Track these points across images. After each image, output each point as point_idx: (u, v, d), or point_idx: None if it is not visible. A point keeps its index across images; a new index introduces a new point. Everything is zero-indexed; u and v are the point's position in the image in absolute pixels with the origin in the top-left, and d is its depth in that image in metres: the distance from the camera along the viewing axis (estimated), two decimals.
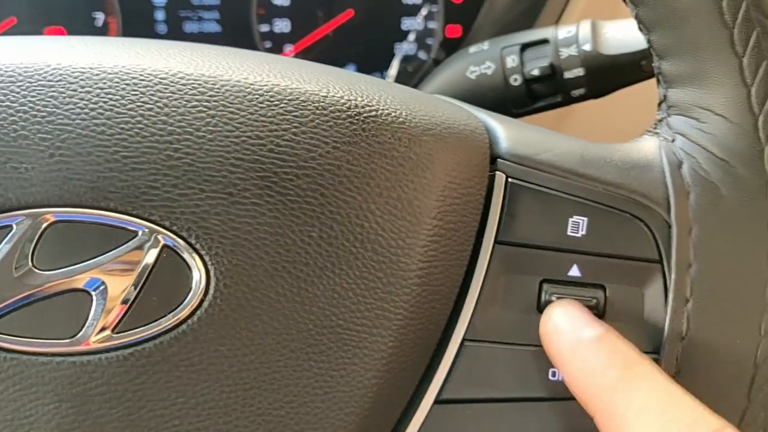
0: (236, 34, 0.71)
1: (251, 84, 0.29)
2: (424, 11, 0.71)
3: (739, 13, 0.30)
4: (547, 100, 0.47)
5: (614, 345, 0.29)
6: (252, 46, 0.71)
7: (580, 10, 0.63)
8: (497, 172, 0.32)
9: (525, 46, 0.47)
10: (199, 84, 0.29)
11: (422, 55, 0.72)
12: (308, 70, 0.32)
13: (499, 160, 0.32)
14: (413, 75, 0.72)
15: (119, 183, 0.27)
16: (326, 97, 0.30)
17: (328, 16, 0.71)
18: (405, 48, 0.71)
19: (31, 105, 0.28)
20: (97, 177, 0.27)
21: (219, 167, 0.28)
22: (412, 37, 0.71)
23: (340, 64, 0.72)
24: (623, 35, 0.45)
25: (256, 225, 0.28)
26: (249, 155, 0.28)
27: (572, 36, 0.46)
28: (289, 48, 0.71)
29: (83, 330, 0.27)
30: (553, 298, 0.31)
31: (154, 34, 0.70)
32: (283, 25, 0.71)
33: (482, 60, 0.47)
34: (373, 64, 0.72)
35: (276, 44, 0.71)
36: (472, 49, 0.49)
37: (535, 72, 0.46)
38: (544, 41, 0.46)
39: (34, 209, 0.27)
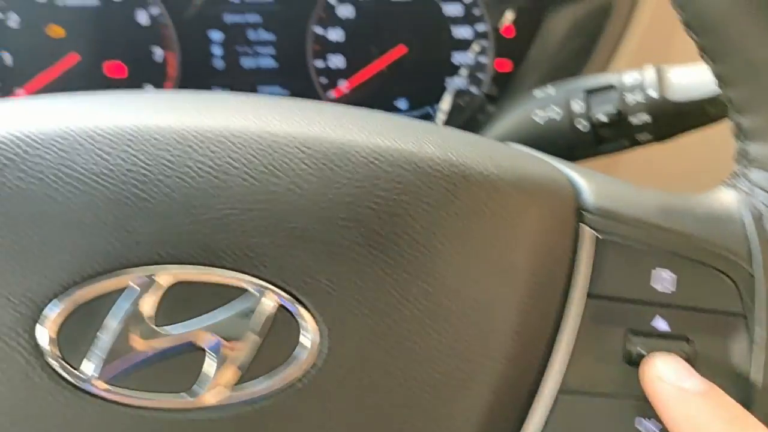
0: (292, 69, 0.72)
1: (351, 144, 0.31)
2: (475, 46, 0.72)
3: None
4: (613, 144, 0.48)
5: (719, 399, 0.30)
6: (307, 81, 0.72)
7: (633, 50, 0.64)
8: (583, 226, 0.33)
9: (590, 92, 0.48)
10: (302, 144, 0.30)
11: (473, 89, 0.73)
12: (403, 128, 0.33)
13: (585, 213, 0.33)
14: (464, 109, 0.73)
15: (230, 242, 0.29)
16: (422, 156, 0.31)
17: (381, 52, 0.72)
18: (456, 82, 0.73)
19: (145, 166, 0.29)
20: (209, 236, 0.29)
21: (322, 226, 0.29)
22: (463, 72, 0.72)
23: (393, 99, 0.73)
24: (689, 81, 0.46)
25: (359, 282, 0.29)
26: (350, 214, 0.29)
27: (638, 82, 0.47)
28: (343, 83, 0.73)
29: (200, 386, 0.28)
30: (641, 349, 0.32)
31: (211, 69, 0.72)
32: (337, 61, 0.72)
33: (548, 104, 0.49)
34: (424, 98, 0.73)
35: (331, 80, 0.73)
36: (537, 93, 0.50)
37: (603, 118, 0.47)
38: (611, 87, 0.47)
39: (152, 266, 0.28)
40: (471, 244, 0.31)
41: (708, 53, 0.34)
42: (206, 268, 0.29)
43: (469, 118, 0.73)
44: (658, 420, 0.32)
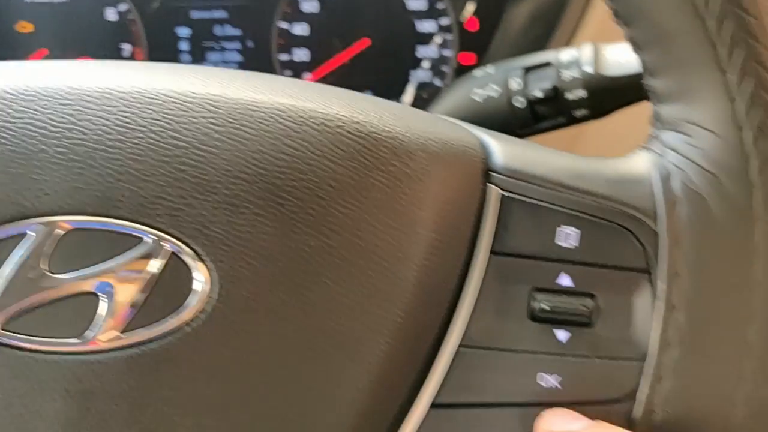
0: (257, 63, 0.73)
1: (256, 101, 0.31)
2: (438, 39, 0.73)
3: (722, 31, 0.31)
4: (551, 121, 0.48)
5: (605, 428, 0.31)
6: (272, 74, 0.73)
7: (590, 36, 0.64)
8: (490, 186, 0.33)
9: (528, 69, 0.48)
10: (206, 102, 0.31)
11: (437, 81, 0.74)
12: (311, 90, 0.34)
13: (493, 174, 0.33)
14: (428, 101, 0.74)
15: (129, 193, 0.29)
16: (327, 114, 0.32)
17: (345, 45, 0.73)
18: (420, 75, 0.73)
19: (50, 122, 0.30)
20: (108, 187, 0.29)
21: (223, 180, 0.30)
22: (426, 64, 0.73)
23: (357, 91, 0.74)
24: (624, 57, 0.46)
25: (257, 234, 0.30)
26: (252, 168, 0.30)
27: (574, 59, 0.47)
28: (307, 76, 0.73)
29: (91, 330, 0.29)
30: (544, 306, 0.32)
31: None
32: (302, 54, 0.73)
33: (487, 83, 0.49)
34: (388, 90, 0.74)
35: (295, 72, 0.74)
36: (478, 72, 0.50)
37: (538, 94, 0.47)
38: (547, 64, 0.48)
39: (49, 217, 0.29)
40: (373, 201, 0.31)
41: (621, 17, 0.34)
42: (103, 218, 0.29)
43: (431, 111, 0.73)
44: (560, 374, 0.32)
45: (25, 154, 0.29)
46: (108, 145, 0.29)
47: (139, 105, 0.30)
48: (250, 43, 0.73)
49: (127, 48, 0.73)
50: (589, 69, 0.46)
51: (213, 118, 0.30)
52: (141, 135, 0.30)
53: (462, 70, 0.73)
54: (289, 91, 0.33)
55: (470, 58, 0.73)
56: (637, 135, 0.56)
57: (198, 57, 0.73)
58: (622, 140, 0.58)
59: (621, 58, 0.46)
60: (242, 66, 0.73)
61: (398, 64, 0.74)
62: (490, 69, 0.50)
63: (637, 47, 0.34)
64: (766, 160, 0.32)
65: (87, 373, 0.29)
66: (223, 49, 0.73)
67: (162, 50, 0.73)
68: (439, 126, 0.35)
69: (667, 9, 0.32)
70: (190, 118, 0.30)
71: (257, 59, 0.73)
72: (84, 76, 0.32)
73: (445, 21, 0.73)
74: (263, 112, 0.31)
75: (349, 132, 0.31)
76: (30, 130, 0.30)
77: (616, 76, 0.46)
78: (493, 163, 0.34)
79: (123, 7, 0.72)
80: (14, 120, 0.30)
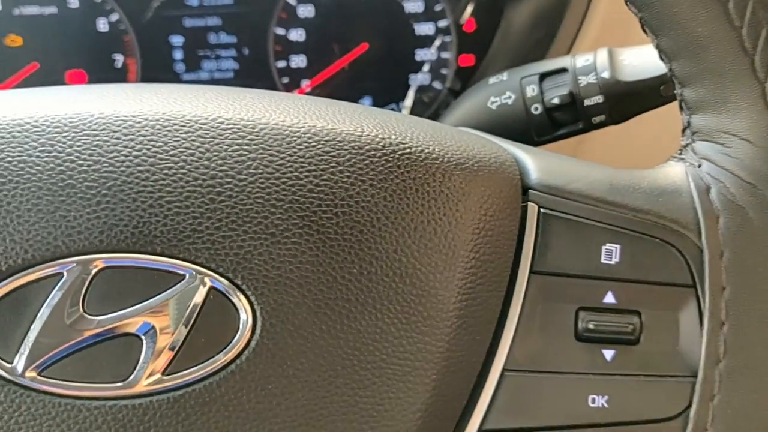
0: (254, 71, 0.72)
1: (289, 126, 0.30)
2: (437, 42, 0.72)
3: (759, 40, 0.31)
4: (569, 128, 0.48)
5: None
6: (270, 82, 0.72)
7: (592, 38, 0.64)
8: (529, 203, 0.32)
9: (544, 76, 0.48)
10: (238, 128, 0.30)
11: (437, 84, 0.73)
12: (342, 110, 0.33)
13: (530, 191, 0.33)
14: (429, 105, 0.73)
15: (164, 227, 0.28)
16: (361, 136, 0.31)
17: (343, 51, 0.72)
18: (420, 79, 0.72)
19: (77, 154, 0.28)
20: (142, 222, 0.28)
21: (260, 208, 0.29)
22: (426, 67, 0.72)
23: (357, 97, 0.73)
24: (640, 62, 0.46)
25: (297, 264, 0.29)
26: (288, 196, 0.29)
27: (590, 64, 0.47)
28: (305, 83, 0.72)
29: (134, 374, 0.28)
30: (590, 325, 0.32)
31: (173, 74, 0.72)
32: (299, 61, 0.72)
33: (502, 90, 0.48)
34: (388, 95, 0.73)
35: (293, 80, 0.72)
36: (492, 80, 0.50)
37: (556, 100, 0.46)
38: (563, 70, 0.47)
39: (84, 256, 0.28)
40: (412, 224, 0.30)
41: (650, 26, 0.33)
42: (139, 255, 0.28)
43: (433, 113, 0.72)
44: (608, 394, 0.31)
45: (53, 190, 0.28)
46: (138, 177, 0.28)
47: (168, 133, 0.29)
48: (245, 51, 0.72)
49: (119, 59, 0.71)
50: (605, 74, 0.46)
51: (246, 145, 0.29)
52: (172, 165, 0.29)
53: (462, 73, 0.73)
54: (321, 112, 0.32)
55: (470, 59, 0.73)
56: (643, 136, 0.56)
57: (193, 66, 0.72)
58: (627, 142, 0.58)
59: (637, 62, 0.46)
60: (239, 74, 0.72)
61: (398, 68, 0.73)
62: (504, 76, 0.49)
63: (667, 56, 0.34)
64: None
65: (131, 418, 0.28)
66: (218, 57, 0.72)
67: (155, 60, 0.71)
68: (470, 142, 0.34)
69: (699, 17, 0.31)
70: (223, 146, 0.29)
71: (253, 67, 0.72)
72: (107, 102, 0.30)
73: (443, 23, 0.72)
74: (297, 137, 0.30)
75: (384, 154, 0.31)
76: (57, 164, 0.28)
77: (633, 80, 0.45)
78: (529, 179, 0.33)
79: (114, 17, 0.70)
80: (39, 153, 0.28)
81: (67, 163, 0.28)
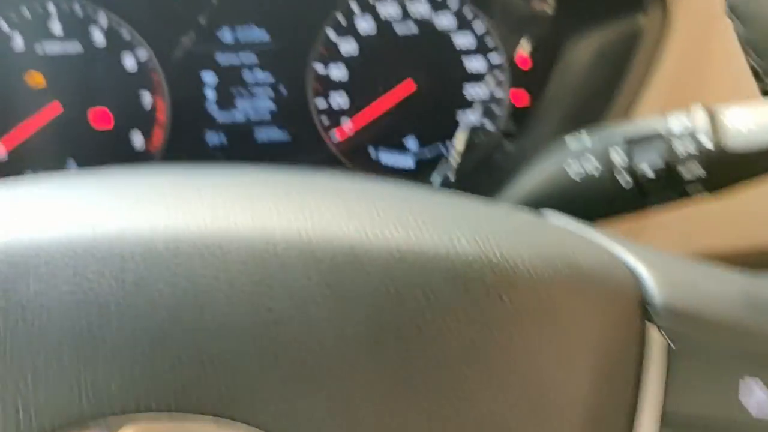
0: (291, 110, 0.67)
1: (363, 247, 0.25)
2: (489, 79, 0.66)
3: None
4: (659, 198, 0.42)
5: None
6: (308, 122, 0.67)
7: (667, 78, 0.58)
8: (651, 329, 0.27)
9: (633, 141, 0.42)
10: (305, 254, 0.25)
11: (489, 125, 0.68)
12: (425, 211, 0.28)
13: (651, 312, 0.28)
14: (480, 148, 0.67)
15: (215, 383, 0.23)
16: (452, 254, 0.26)
17: (387, 88, 0.67)
18: (470, 118, 0.67)
19: (105, 294, 0.23)
20: (190, 380, 0.23)
21: (333, 362, 0.24)
22: (477, 106, 0.67)
23: (402, 137, 0.68)
24: (749, 125, 0.40)
25: (385, 424, 0.24)
26: (368, 343, 0.24)
27: (687, 128, 0.41)
28: (347, 123, 0.67)
29: None
30: None
31: (204, 114, 0.67)
32: (340, 100, 0.67)
33: (583, 155, 0.43)
34: (436, 136, 0.68)
35: (333, 120, 0.67)
36: (571, 143, 0.44)
37: (648, 173, 0.41)
38: (655, 135, 0.42)
39: (114, 416, 0.23)
40: (514, 363, 0.25)
41: None
42: (182, 414, 0.23)
43: (484, 156, 0.67)
44: None
45: (76, 339, 0.23)
46: (182, 320, 0.23)
47: (216, 262, 0.24)
48: (283, 90, 0.67)
49: (147, 98, 0.66)
50: (707, 142, 0.40)
51: (311, 272, 0.24)
52: (224, 302, 0.24)
53: (516, 113, 0.67)
54: (402, 217, 0.27)
55: (524, 99, 0.67)
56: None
57: (226, 105, 0.67)
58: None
59: (745, 125, 0.40)
60: (275, 114, 0.67)
61: (446, 107, 0.67)
62: (585, 139, 0.44)
63: None
64: None
65: None
66: (253, 96, 0.67)
67: (186, 99, 0.66)
68: (580, 253, 0.29)
69: None
70: (285, 275, 0.24)
71: (292, 106, 0.67)
72: (137, 215, 0.25)
73: (495, 59, 0.67)
74: (376, 258, 0.25)
75: (485, 285, 0.25)
76: (80, 306, 0.23)
77: (740, 151, 0.40)
78: (649, 297, 0.28)
79: (142, 54, 0.65)
80: (57, 290, 0.23)
81: (94, 307, 0.23)
